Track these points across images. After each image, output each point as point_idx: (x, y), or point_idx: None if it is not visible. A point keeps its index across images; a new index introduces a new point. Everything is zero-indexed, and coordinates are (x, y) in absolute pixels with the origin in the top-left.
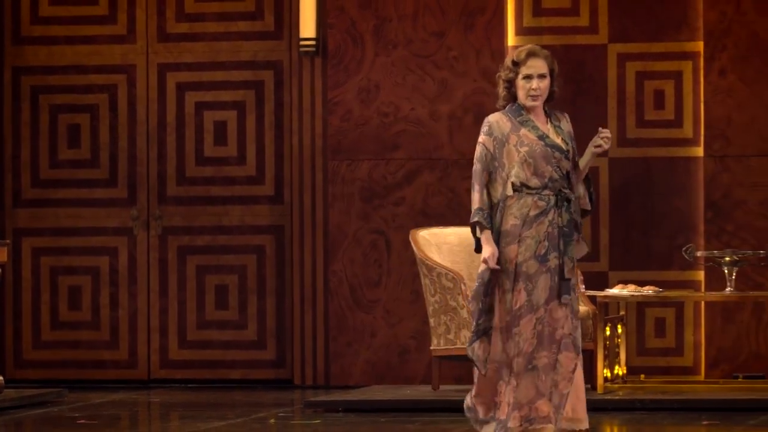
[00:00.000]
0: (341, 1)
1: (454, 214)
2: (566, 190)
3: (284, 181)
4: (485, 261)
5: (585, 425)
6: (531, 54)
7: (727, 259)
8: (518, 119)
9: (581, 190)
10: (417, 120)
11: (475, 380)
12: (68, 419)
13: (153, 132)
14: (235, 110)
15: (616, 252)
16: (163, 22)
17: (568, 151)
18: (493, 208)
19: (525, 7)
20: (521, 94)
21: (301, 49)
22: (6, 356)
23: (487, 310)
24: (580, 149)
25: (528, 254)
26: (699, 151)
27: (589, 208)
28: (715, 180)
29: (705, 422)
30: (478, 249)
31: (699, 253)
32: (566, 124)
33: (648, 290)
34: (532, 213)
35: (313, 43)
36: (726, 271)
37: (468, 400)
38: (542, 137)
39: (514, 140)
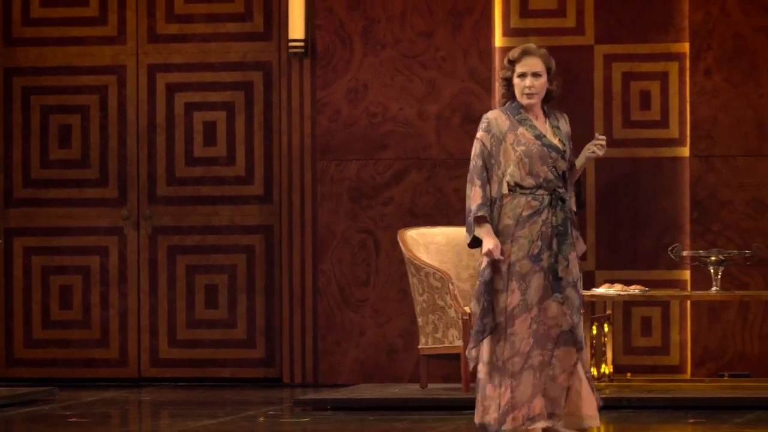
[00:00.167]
0: (330, 2)
1: (442, 214)
2: (561, 190)
3: (273, 181)
4: (488, 253)
5: (591, 423)
6: (526, 52)
7: (713, 258)
8: (516, 117)
9: (572, 190)
10: (405, 120)
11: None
12: (59, 417)
13: (143, 132)
14: (225, 111)
15: (603, 251)
16: (153, 23)
17: (564, 151)
18: (500, 201)
19: (512, 8)
20: (517, 92)
21: (290, 50)
22: None
23: (492, 309)
24: (575, 151)
25: (521, 254)
26: (685, 151)
27: (574, 209)
28: (701, 180)
29: (691, 420)
30: (472, 245)
31: (685, 253)
32: (565, 125)
33: (634, 289)
34: (525, 213)
35: (301, 44)
36: (712, 271)
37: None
38: (539, 137)
39: (511, 139)
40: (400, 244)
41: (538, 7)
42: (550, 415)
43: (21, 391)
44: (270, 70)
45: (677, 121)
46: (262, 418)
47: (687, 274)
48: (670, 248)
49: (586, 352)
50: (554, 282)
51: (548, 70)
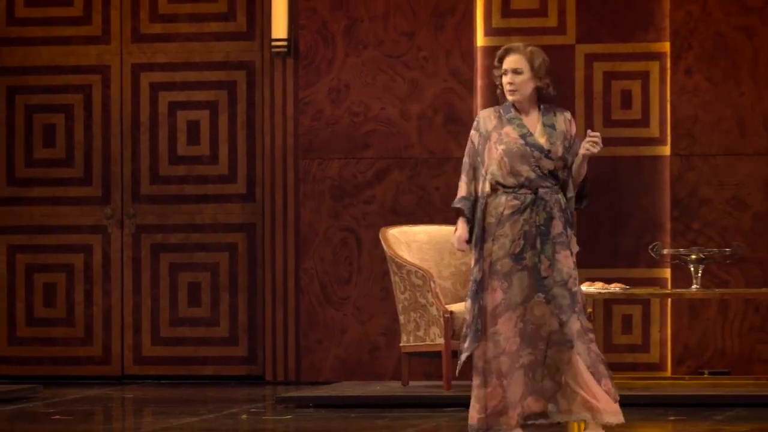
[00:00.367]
0: (313, 2)
1: (424, 212)
2: (544, 190)
3: (256, 180)
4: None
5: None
6: (508, 50)
7: (693, 257)
8: (507, 116)
9: (571, 191)
10: (387, 119)
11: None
12: (43, 415)
13: (127, 131)
14: (208, 110)
15: (584, 250)
16: (137, 23)
17: (549, 150)
18: (477, 202)
19: (494, 8)
20: (504, 90)
21: (273, 50)
22: None
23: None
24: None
25: (501, 252)
26: (665, 150)
27: (572, 209)
28: (682, 179)
29: (671, 418)
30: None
31: (665, 251)
32: (562, 124)
33: (615, 287)
34: (506, 212)
35: (284, 43)
36: (692, 269)
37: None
38: (524, 136)
39: (495, 138)
40: (382, 242)
41: (520, 7)
42: (548, 414)
43: (5, 388)
44: (253, 70)
45: (658, 120)
46: (244, 416)
47: (667, 273)
48: (650, 246)
49: (593, 348)
50: (537, 281)
51: (533, 68)
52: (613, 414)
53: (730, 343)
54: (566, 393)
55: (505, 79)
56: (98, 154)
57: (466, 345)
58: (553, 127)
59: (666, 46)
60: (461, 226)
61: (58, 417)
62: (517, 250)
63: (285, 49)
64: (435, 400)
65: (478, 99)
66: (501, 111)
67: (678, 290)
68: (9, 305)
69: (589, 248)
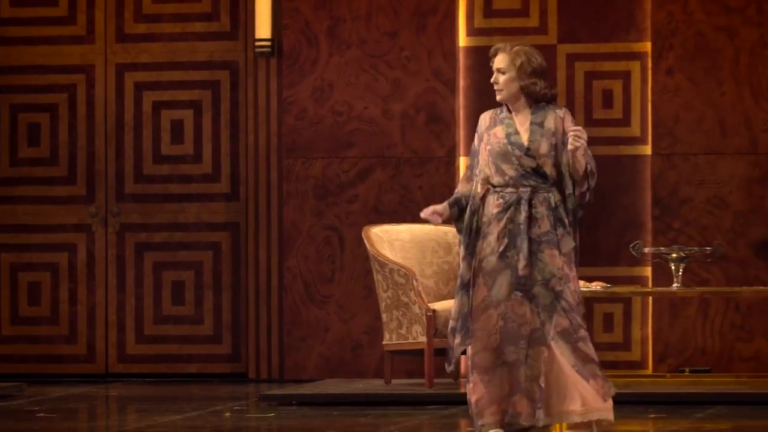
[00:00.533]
0: (296, 2)
1: (407, 211)
2: (526, 188)
3: (240, 179)
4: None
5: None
6: (496, 50)
7: (674, 255)
8: (500, 116)
9: (569, 187)
10: (370, 119)
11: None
12: (27, 413)
13: (111, 131)
14: (192, 109)
15: None
16: (122, 22)
17: (528, 148)
18: (474, 200)
19: (476, 8)
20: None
21: (257, 50)
22: None
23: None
24: None
25: (488, 250)
26: (647, 149)
27: (569, 206)
28: (663, 178)
29: (652, 415)
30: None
31: (646, 250)
32: (551, 121)
33: (596, 286)
34: (494, 211)
35: (268, 43)
36: (673, 268)
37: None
38: (509, 135)
39: (485, 138)
40: (365, 241)
41: (502, 7)
42: (529, 416)
43: None
44: (237, 70)
45: (639, 119)
46: (228, 413)
47: (648, 271)
48: (631, 245)
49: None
50: (516, 280)
51: (515, 67)
52: (601, 411)
53: (711, 341)
54: (551, 395)
55: (492, 79)
56: (83, 153)
57: (457, 341)
58: (541, 125)
59: (647, 46)
60: (441, 204)
61: (42, 415)
62: (501, 248)
63: (268, 49)
64: (417, 397)
65: (460, 99)
66: (498, 112)
67: (659, 289)
68: None
69: None
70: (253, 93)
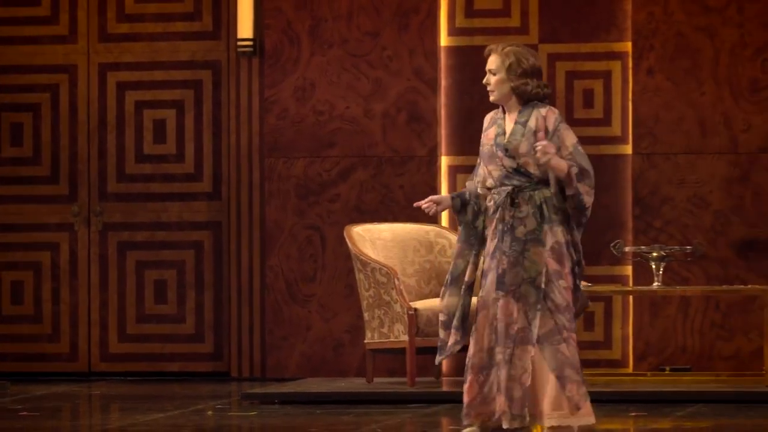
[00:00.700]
0: (278, 2)
1: (388, 210)
2: (507, 188)
3: (222, 178)
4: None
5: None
6: (489, 51)
7: (655, 254)
8: (496, 117)
9: (554, 188)
10: (351, 118)
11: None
12: (10, 411)
13: (94, 130)
14: (174, 109)
15: None
16: (104, 22)
17: (507, 148)
18: (478, 200)
19: (458, 8)
20: None
21: (239, 49)
22: None
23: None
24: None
25: (485, 251)
26: (627, 148)
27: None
28: (643, 177)
29: (633, 414)
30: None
31: (627, 249)
32: (534, 120)
33: None
34: (490, 212)
35: (250, 43)
36: (653, 266)
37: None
38: (496, 136)
39: (482, 140)
40: (347, 240)
41: (483, 7)
42: (515, 417)
43: None
44: (219, 69)
45: (620, 119)
46: (210, 412)
47: (629, 270)
48: (612, 244)
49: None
50: (498, 279)
51: (507, 68)
52: (570, 418)
53: (691, 339)
54: (534, 395)
55: (484, 80)
56: (65, 152)
57: (451, 341)
58: (524, 124)
59: (628, 46)
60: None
61: (25, 413)
62: (493, 248)
63: (250, 49)
64: (399, 396)
65: (442, 98)
66: (497, 112)
67: (639, 287)
68: None
69: None
70: (235, 92)
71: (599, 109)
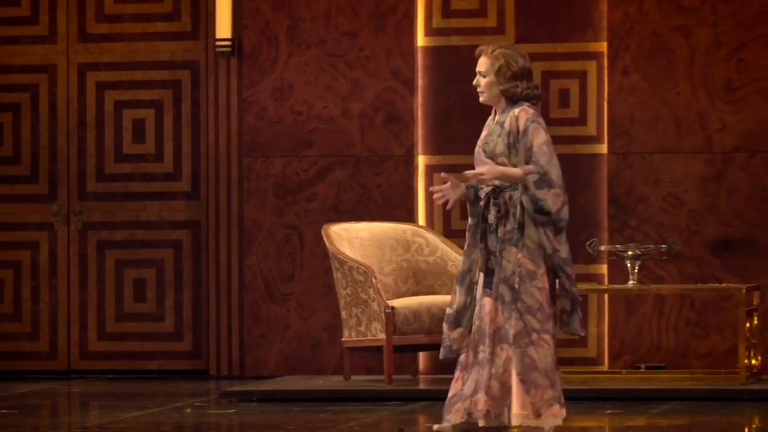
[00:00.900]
0: (256, 2)
1: (365, 209)
2: (488, 188)
3: (200, 178)
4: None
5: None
6: (480, 52)
7: (630, 253)
8: (489, 119)
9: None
10: (329, 118)
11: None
12: None
13: (73, 130)
14: (153, 109)
15: None
16: (84, 22)
17: (484, 150)
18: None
19: (434, 8)
20: None
21: (217, 50)
22: None
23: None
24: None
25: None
26: (603, 148)
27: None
28: (619, 176)
29: (608, 411)
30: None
31: (602, 248)
32: (509, 122)
33: None
34: (484, 211)
35: (228, 43)
36: (629, 265)
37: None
38: (484, 137)
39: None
40: (325, 239)
41: (460, 8)
42: (497, 416)
43: None
44: (197, 69)
45: (595, 118)
46: (189, 410)
47: (604, 269)
48: (588, 243)
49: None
50: (486, 277)
51: (497, 71)
52: (518, 417)
53: (666, 338)
54: (506, 395)
55: (474, 81)
56: (45, 152)
57: (455, 335)
58: (502, 125)
59: (603, 46)
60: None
61: (5, 411)
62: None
63: (229, 49)
64: (376, 394)
65: (419, 98)
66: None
67: (615, 286)
68: None
69: None
70: (214, 92)
71: (575, 109)
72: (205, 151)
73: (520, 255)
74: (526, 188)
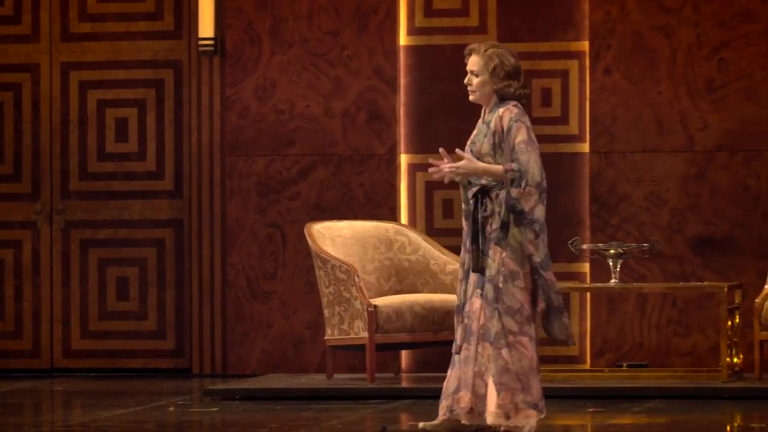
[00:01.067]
0: (239, 1)
1: (348, 207)
2: (476, 187)
3: (183, 177)
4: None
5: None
6: (470, 50)
7: (612, 251)
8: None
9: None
10: (312, 117)
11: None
12: None
13: (56, 129)
14: (136, 108)
15: None
16: (67, 22)
17: (471, 149)
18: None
19: (417, 7)
20: None
21: (200, 49)
22: None
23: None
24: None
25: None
26: (585, 147)
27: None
28: (600, 175)
29: (590, 409)
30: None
31: (584, 246)
32: (495, 122)
33: None
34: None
35: (211, 42)
36: (611, 264)
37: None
38: (472, 137)
39: None
40: (307, 237)
41: (442, 7)
42: (481, 413)
43: None
44: (180, 68)
45: (577, 117)
46: (172, 408)
47: (587, 267)
48: (570, 241)
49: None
50: (479, 277)
51: (491, 71)
52: (491, 415)
53: (648, 336)
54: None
55: (465, 80)
56: (28, 151)
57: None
58: (488, 124)
59: (585, 46)
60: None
61: None
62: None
63: (212, 48)
64: (359, 392)
65: (401, 97)
66: None
67: (597, 284)
68: None
69: None
70: (197, 91)
71: (557, 108)
72: (187, 150)
73: (504, 254)
74: (504, 187)
